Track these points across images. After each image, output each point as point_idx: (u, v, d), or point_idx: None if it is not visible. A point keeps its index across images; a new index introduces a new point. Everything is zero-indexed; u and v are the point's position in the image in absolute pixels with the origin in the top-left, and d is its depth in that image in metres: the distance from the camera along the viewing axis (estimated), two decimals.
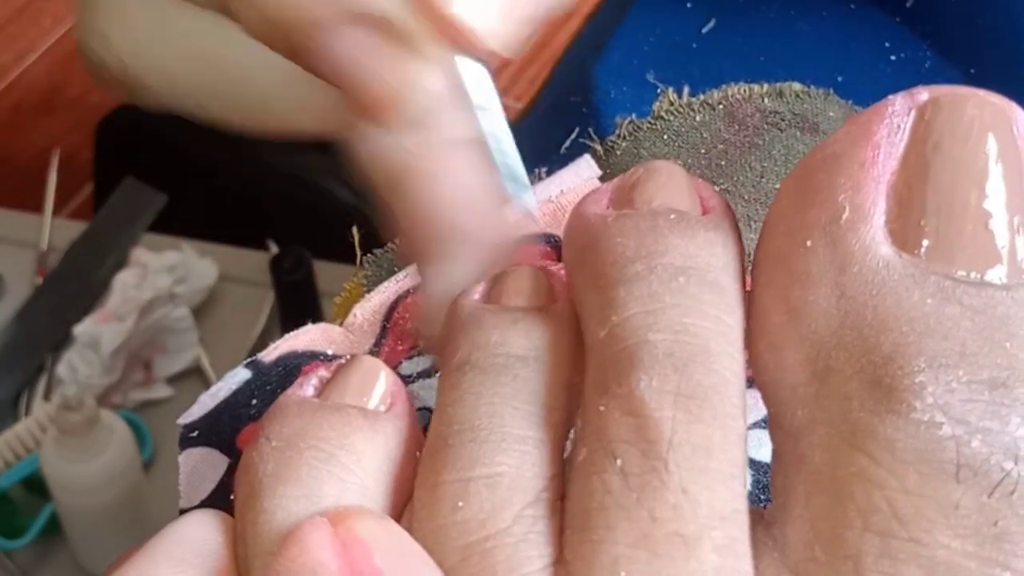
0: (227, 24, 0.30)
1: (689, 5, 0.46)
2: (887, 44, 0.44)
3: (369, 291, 0.34)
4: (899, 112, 0.22)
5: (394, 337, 0.33)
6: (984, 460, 0.20)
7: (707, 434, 0.21)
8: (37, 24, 1.58)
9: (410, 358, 0.32)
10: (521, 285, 0.25)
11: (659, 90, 0.38)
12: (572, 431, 0.23)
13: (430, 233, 0.29)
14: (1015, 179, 0.21)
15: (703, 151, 0.36)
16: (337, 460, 0.23)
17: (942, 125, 0.21)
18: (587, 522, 0.21)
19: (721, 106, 0.37)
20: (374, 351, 0.32)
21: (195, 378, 1.02)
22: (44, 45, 1.56)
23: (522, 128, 0.47)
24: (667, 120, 0.37)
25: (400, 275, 0.34)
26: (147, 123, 1.20)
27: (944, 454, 0.20)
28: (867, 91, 0.36)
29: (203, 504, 0.30)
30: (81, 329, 0.99)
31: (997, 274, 0.21)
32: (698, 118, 0.37)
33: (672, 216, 0.23)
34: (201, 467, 0.30)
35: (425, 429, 0.24)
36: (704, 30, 0.44)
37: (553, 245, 0.33)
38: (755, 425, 0.26)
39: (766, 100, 0.37)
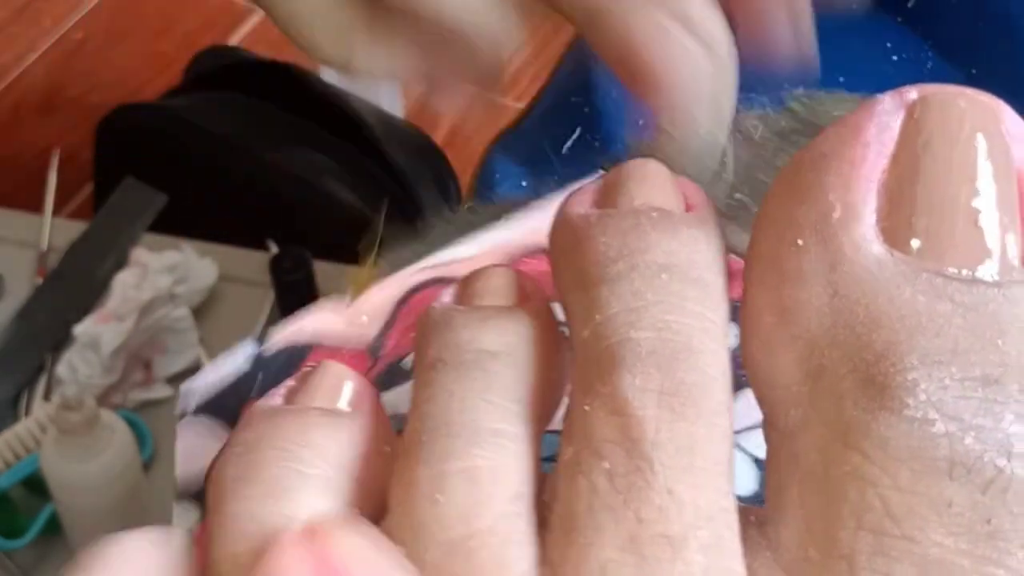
0: None
1: None
2: (888, 45, 0.44)
3: (382, 279, 0.34)
4: (889, 111, 0.22)
5: (403, 327, 0.33)
6: (977, 457, 0.19)
7: (691, 432, 0.21)
8: (37, 24, 1.58)
9: None
10: (491, 284, 0.25)
11: None
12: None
13: None
14: (1005, 176, 0.21)
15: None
16: (297, 456, 0.23)
17: (932, 123, 0.21)
18: (574, 524, 0.21)
19: None
20: (377, 343, 0.33)
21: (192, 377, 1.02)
22: (44, 45, 1.56)
23: (524, 128, 0.47)
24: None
25: (414, 268, 0.34)
26: (147, 123, 1.20)
27: (937, 451, 0.20)
28: (868, 92, 0.36)
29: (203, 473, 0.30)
30: (81, 329, 0.99)
31: (988, 271, 0.21)
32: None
33: (654, 214, 0.23)
34: (205, 439, 0.30)
35: None
36: None
37: None
38: (760, 426, 0.26)
39: (769, 110, 0.37)
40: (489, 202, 0.35)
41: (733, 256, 0.33)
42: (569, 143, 0.39)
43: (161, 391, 1.01)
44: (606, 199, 0.24)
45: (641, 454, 0.21)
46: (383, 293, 0.34)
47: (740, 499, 0.23)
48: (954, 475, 0.20)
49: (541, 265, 0.33)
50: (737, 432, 0.30)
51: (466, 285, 0.25)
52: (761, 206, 0.23)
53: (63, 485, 0.89)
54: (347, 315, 0.33)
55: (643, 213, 0.23)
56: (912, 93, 0.22)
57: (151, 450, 0.97)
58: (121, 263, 1.05)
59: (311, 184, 1.15)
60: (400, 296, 0.33)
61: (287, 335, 0.32)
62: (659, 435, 0.21)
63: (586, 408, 0.21)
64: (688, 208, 0.24)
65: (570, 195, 0.24)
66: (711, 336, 0.22)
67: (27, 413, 0.99)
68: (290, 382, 0.25)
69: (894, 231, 0.21)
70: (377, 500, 0.23)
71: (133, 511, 0.91)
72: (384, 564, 0.21)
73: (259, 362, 0.32)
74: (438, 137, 1.38)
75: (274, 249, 1.07)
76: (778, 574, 0.21)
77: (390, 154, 1.20)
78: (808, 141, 0.22)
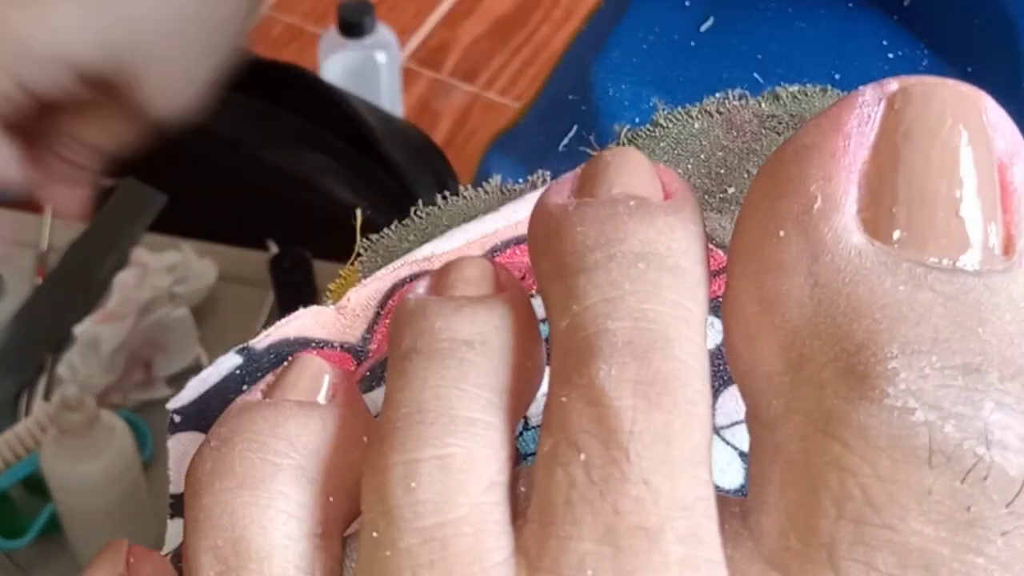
0: None
1: (687, 3, 0.46)
2: (884, 43, 0.44)
3: (364, 277, 0.34)
4: (869, 102, 0.22)
5: (388, 324, 0.33)
6: (957, 445, 0.20)
7: (667, 422, 0.21)
8: None
9: None
10: (465, 275, 0.25)
11: (655, 101, 0.38)
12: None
13: None
14: (986, 166, 0.21)
15: (702, 158, 0.36)
16: (269, 447, 0.23)
17: (912, 114, 0.21)
18: (552, 516, 0.21)
19: (719, 113, 0.37)
20: (367, 337, 0.33)
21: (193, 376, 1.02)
22: None
23: (521, 126, 0.47)
24: (665, 127, 0.37)
25: (397, 263, 0.34)
26: None
27: (917, 440, 0.20)
28: None
29: None
30: (81, 329, 0.99)
31: (969, 260, 0.21)
32: (696, 125, 0.37)
33: (632, 203, 0.23)
34: (192, 451, 0.30)
35: None
36: (702, 28, 0.44)
37: None
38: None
39: (763, 104, 0.37)
40: (481, 188, 0.35)
41: (720, 252, 0.33)
42: (566, 140, 0.39)
43: (161, 391, 1.01)
44: (585, 188, 0.24)
45: (617, 445, 0.21)
46: (368, 289, 0.33)
47: (726, 493, 0.23)
48: (934, 463, 0.20)
49: (527, 256, 0.33)
50: (724, 427, 0.30)
51: (441, 276, 0.25)
52: (745, 197, 0.23)
53: (63, 485, 0.89)
54: (334, 312, 0.33)
55: (620, 202, 0.23)
56: (893, 84, 0.22)
57: (151, 450, 0.97)
58: (121, 263, 1.05)
59: (311, 184, 1.15)
60: (385, 291, 0.33)
61: (275, 332, 0.32)
62: (635, 425, 0.21)
63: (563, 399, 0.22)
64: (667, 195, 0.24)
65: (550, 185, 0.24)
66: (688, 324, 0.22)
67: (27, 413, 0.99)
68: (269, 377, 0.25)
69: (875, 221, 0.21)
70: (353, 490, 0.23)
71: (133, 511, 0.91)
72: None
73: (249, 357, 0.32)
74: (438, 137, 1.38)
75: (274, 249, 1.07)
76: (759, 563, 0.21)
77: (390, 154, 1.19)
78: (791, 130, 0.22)
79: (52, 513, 0.92)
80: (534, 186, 0.35)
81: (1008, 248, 0.21)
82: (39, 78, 0.58)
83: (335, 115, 1.20)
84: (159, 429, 0.98)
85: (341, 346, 0.32)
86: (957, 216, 0.21)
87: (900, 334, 0.20)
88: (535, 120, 0.46)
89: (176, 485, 0.30)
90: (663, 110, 0.37)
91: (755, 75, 0.38)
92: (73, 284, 1.05)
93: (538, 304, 0.25)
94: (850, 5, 0.46)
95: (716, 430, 0.30)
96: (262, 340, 0.32)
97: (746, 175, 0.35)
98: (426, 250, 0.33)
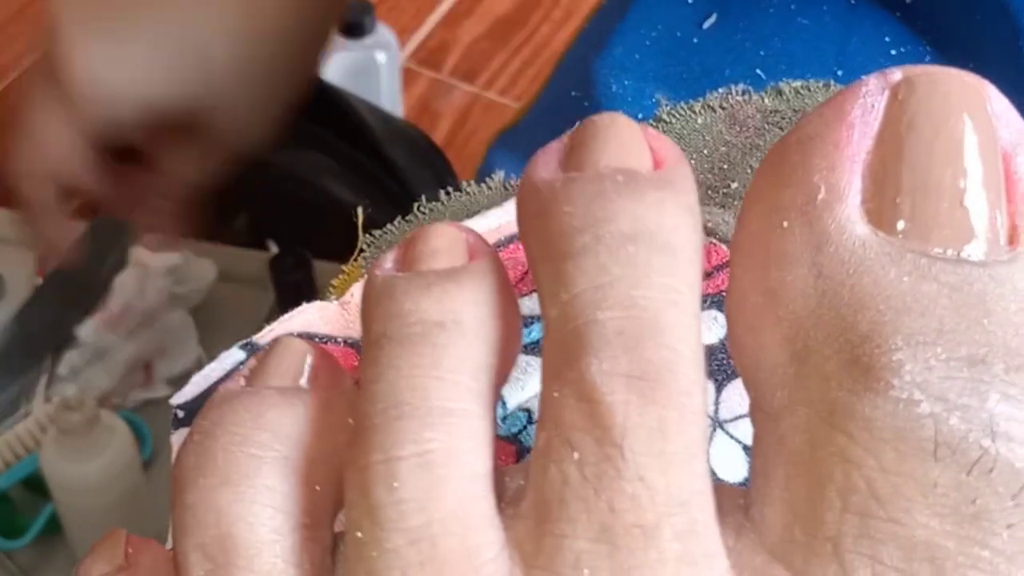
0: None
1: (690, 0, 0.46)
2: (887, 39, 0.44)
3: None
4: (873, 92, 0.22)
5: None
6: (962, 438, 0.20)
7: (662, 416, 0.21)
8: (37, 24, 1.58)
9: None
10: (432, 246, 0.24)
11: (658, 97, 0.38)
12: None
13: None
14: (990, 156, 0.21)
15: (705, 153, 0.36)
16: (252, 440, 0.23)
17: (916, 104, 0.21)
18: (547, 514, 0.21)
19: (722, 108, 0.37)
20: None
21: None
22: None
23: (524, 123, 0.47)
24: (668, 123, 0.37)
25: None
26: None
27: (922, 432, 0.20)
28: None
29: None
30: (82, 330, 0.99)
31: (974, 251, 0.21)
32: (699, 120, 0.37)
33: (620, 178, 0.22)
34: None
35: None
36: (705, 25, 0.44)
37: None
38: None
39: (766, 100, 0.37)
40: (484, 184, 0.35)
41: (723, 247, 0.33)
42: None
43: (161, 391, 1.01)
44: (572, 160, 0.23)
45: (611, 441, 0.21)
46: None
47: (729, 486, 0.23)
48: (939, 456, 0.20)
49: None
50: (728, 421, 0.30)
51: (408, 248, 0.24)
52: (748, 189, 0.23)
53: (63, 485, 0.89)
54: (337, 307, 0.33)
55: (608, 177, 0.22)
56: (896, 74, 0.22)
57: (151, 450, 0.97)
58: (121, 263, 1.05)
59: (311, 184, 1.15)
60: None
61: (279, 327, 0.32)
62: (628, 421, 0.21)
63: (555, 394, 0.21)
64: (657, 163, 0.23)
65: (536, 155, 0.24)
66: (680, 307, 0.22)
67: (27, 413, 0.99)
68: (252, 362, 0.25)
69: (879, 212, 0.21)
70: (341, 476, 0.23)
71: (133, 511, 0.91)
72: None
73: (252, 352, 0.32)
74: (438, 137, 1.38)
75: (274, 249, 1.07)
76: (763, 556, 0.21)
77: (390, 154, 1.19)
78: (793, 125, 0.22)
79: (52, 513, 0.92)
80: None
81: (1013, 238, 0.21)
82: (117, 120, 0.60)
83: (335, 115, 1.19)
84: (159, 429, 0.98)
85: (344, 341, 0.32)
86: (961, 206, 0.21)
87: (905, 325, 0.20)
88: (538, 117, 0.46)
89: None
90: (666, 106, 0.37)
91: (758, 71, 0.38)
92: (73, 284, 1.05)
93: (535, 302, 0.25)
94: (852, 2, 0.45)
95: (720, 424, 0.30)
96: (265, 335, 0.32)
97: (749, 170, 0.35)
98: None
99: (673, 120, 0.36)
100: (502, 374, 0.23)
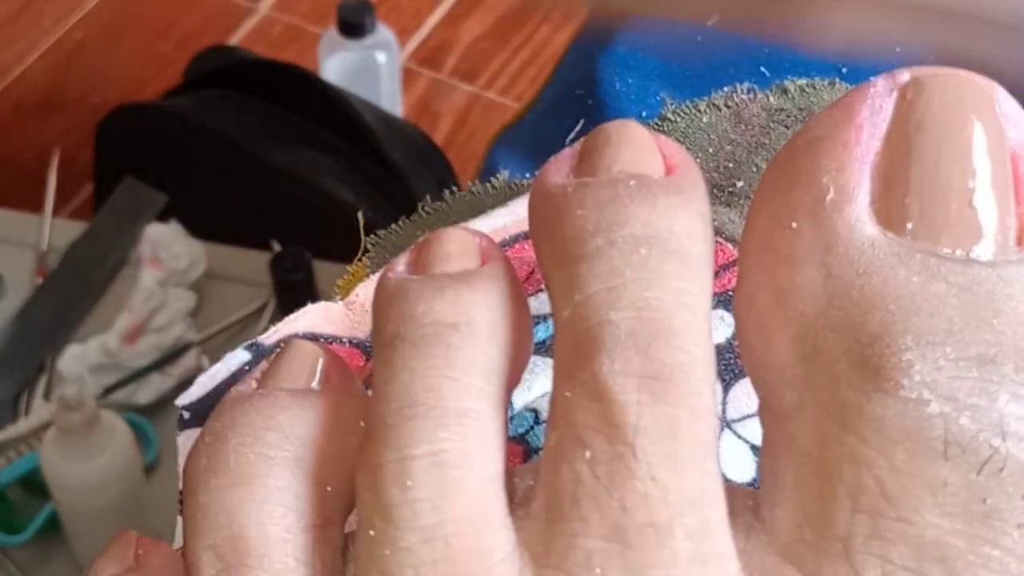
0: None
1: None
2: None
3: (374, 273, 0.34)
4: (881, 93, 0.21)
5: None
6: (972, 437, 0.19)
7: (673, 415, 0.21)
8: (37, 24, 1.58)
9: None
10: (445, 250, 0.24)
11: (662, 95, 0.38)
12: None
13: None
14: (998, 156, 0.21)
15: (711, 152, 0.36)
16: (263, 440, 0.23)
17: (924, 104, 0.21)
18: (559, 514, 0.21)
19: (727, 107, 0.37)
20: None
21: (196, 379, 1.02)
22: (44, 45, 1.56)
23: (526, 121, 0.47)
24: (674, 121, 0.37)
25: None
26: (147, 123, 1.20)
27: (932, 432, 0.20)
28: None
29: None
30: (83, 330, 0.99)
31: (983, 251, 0.21)
32: (704, 119, 0.37)
33: (632, 183, 0.22)
34: None
35: None
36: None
37: None
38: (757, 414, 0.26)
39: (771, 98, 0.37)
40: (489, 184, 0.35)
41: (730, 246, 0.32)
42: (572, 135, 0.38)
43: (163, 392, 1.01)
44: (584, 166, 0.23)
45: (623, 440, 0.21)
46: (375, 285, 0.33)
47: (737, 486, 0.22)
48: (949, 455, 0.19)
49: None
50: (735, 420, 0.30)
51: (420, 251, 0.24)
52: (756, 190, 0.22)
53: (63, 485, 0.89)
54: (342, 308, 0.33)
55: (620, 182, 0.22)
56: (905, 75, 0.22)
57: (155, 452, 0.97)
58: (121, 263, 1.05)
59: (311, 184, 1.15)
60: None
61: (284, 328, 0.32)
62: (640, 420, 0.21)
63: (567, 394, 0.21)
64: (669, 169, 0.23)
65: (549, 161, 0.24)
66: (692, 310, 0.22)
67: (27, 413, 0.99)
68: (264, 364, 0.25)
69: (888, 212, 0.21)
70: (352, 477, 0.23)
71: (133, 511, 0.91)
72: None
73: (258, 352, 0.31)
74: (438, 137, 1.38)
75: (277, 248, 1.07)
76: (773, 556, 0.21)
77: (390, 154, 1.19)
78: (799, 123, 0.22)
79: (51, 512, 0.92)
80: None
81: (1022, 238, 0.21)
82: None
83: (335, 115, 1.20)
84: (159, 430, 0.98)
85: (350, 341, 0.32)
86: (970, 206, 0.21)
87: (914, 325, 0.20)
88: (540, 114, 0.46)
89: None
90: (671, 105, 0.37)
91: (762, 69, 0.38)
92: (73, 284, 1.05)
93: (545, 299, 0.24)
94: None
95: (728, 424, 0.30)
96: (271, 335, 0.31)
97: (755, 169, 0.35)
98: None
99: (678, 119, 0.36)
100: (513, 378, 0.23)
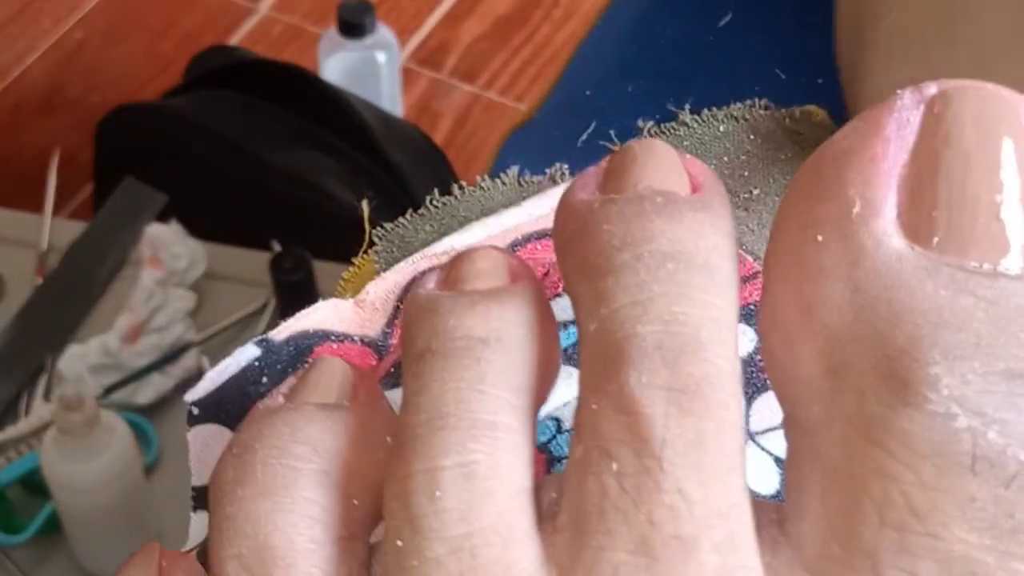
0: None
1: None
2: None
3: (382, 268, 0.34)
4: (908, 106, 0.21)
5: None
6: (1000, 452, 0.19)
7: (700, 428, 0.21)
8: (37, 24, 1.58)
9: None
10: (477, 267, 0.24)
11: (672, 98, 0.38)
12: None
13: None
14: None
15: (726, 160, 0.36)
16: (291, 452, 0.23)
17: (951, 118, 0.21)
18: (585, 526, 0.21)
19: (745, 120, 0.37)
20: (387, 331, 0.32)
21: (196, 379, 1.02)
22: (44, 45, 1.56)
23: (536, 122, 0.47)
24: (691, 127, 0.37)
25: (416, 256, 0.33)
26: (147, 123, 1.20)
27: (960, 446, 0.19)
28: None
29: None
30: (83, 330, 0.99)
31: (1010, 264, 0.20)
32: (722, 128, 0.37)
33: (659, 199, 0.22)
34: (212, 444, 0.30)
35: None
36: (720, 24, 0.44)
37: None
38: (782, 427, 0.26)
39: (788, 121, 0.37)
40: (499, 179, 0.34)
41: (749, 258, 0.32)
42: (584, 136, 0.38)
43: (163, 392, 1.01)
44: (611, 183, 0.23)
45: (650, 453, 0.20)
46: (387, 281, 0.33)
47: (763, 499, 0.22)
48: (977, 470, 0.19)
49: (549, 252, 0.32)
50: (759, 433, 0.30)
51: (452, 268, 0.24)
52: (781, 202, 0.22)
53: (63, 485, 0.88)
54: (353, 305, 0.33)
55: (647, 199, 0.22)
56: (932, 88, 0.21)
57: (155, 452, 0.97)
58: (121, 263, 1.05)
59: (311, 184, 1.15)
60: (405, 284, 0.33)
61: (295, 324, 0.32)
62: (668, 433, 0.20)
63: (594, 407, 0.21)
64: (694, 188, 0.23)
65: (575, 179, 0.24)
66: (719, 324, 0.22)
67: (27, 413, 0.99)
68: (292, 379, 0.25)
69: (915, 226, 0.21)
70: (378, 491, 0.23)
71: (133, 511, 0.91)
72: None
73: (267, 349, 0.31)
74: (438, 137, 1.38)
75: (277, 248, 1.07)
76: (799, 571, 0.21)
77: (390, 154, 1.19)
78: (814, 146, 0.22)
79: (51, 512, 0.92)
80: (553, 179, 0.35)
81: None
82: None
83: (335, 115, 1.20)
84: (160, 430, 0.98)
85: (361, 340, 0.32)
86: (998, 220, 0.20)
87: (942, 339, 0.20)
88: (550, 115, 0.46)
89: (199, 477, 0.30)
90: (687, 108, 0.37)
91: (777, 71, 0.38)
92: (73, 284, 1.05)
93: (563, 305, 0.24)
94: None
95: (751, 436, 0.30)
96: (281, 332, 0.31)
97: (771, 179, 0.35)
98: (445, 243, 0.33)
99: (695, 125, 0.36)
100: (541, 395, 0.23)
